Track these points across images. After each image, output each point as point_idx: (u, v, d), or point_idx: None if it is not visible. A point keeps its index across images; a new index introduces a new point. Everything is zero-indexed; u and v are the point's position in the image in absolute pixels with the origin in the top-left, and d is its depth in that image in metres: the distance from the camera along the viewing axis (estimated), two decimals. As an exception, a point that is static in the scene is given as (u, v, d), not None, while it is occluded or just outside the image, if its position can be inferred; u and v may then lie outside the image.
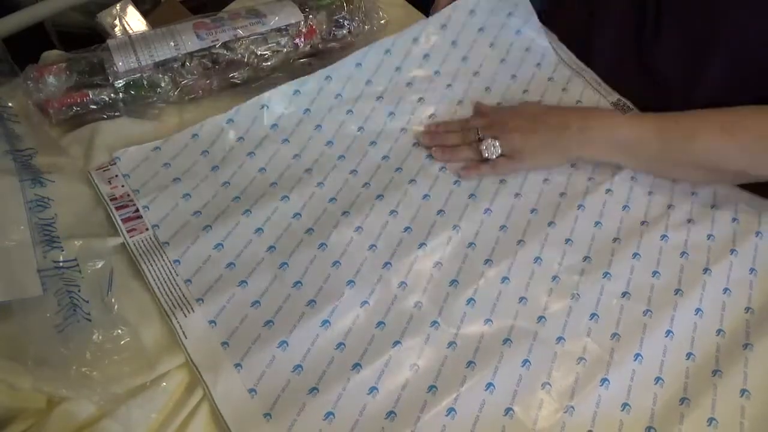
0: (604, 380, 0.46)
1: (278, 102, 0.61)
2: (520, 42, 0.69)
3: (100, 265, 0.47)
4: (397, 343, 0.47)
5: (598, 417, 0.45)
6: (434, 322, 0.48)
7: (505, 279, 0.51)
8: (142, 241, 0.50)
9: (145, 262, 0.49)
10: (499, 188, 0.57)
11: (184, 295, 0.48)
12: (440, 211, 0.55)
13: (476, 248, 0.53)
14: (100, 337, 0.43)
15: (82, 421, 0.41)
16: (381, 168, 0.58)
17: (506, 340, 0.48)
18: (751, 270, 0.53)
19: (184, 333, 0.45)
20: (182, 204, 0.53)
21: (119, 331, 0.44)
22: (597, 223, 0.55)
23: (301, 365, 0.45)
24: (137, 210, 0.52)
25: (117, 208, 0.52)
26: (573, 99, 0.66)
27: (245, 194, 0.55)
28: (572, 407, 0.45)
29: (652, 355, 0.48)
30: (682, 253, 0.54)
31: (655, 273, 0.52)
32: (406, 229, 0.54)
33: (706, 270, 0.53)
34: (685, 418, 0.45)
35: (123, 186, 0.54)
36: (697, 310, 0.50)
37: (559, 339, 0.48)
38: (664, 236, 0.55)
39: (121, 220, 0.51)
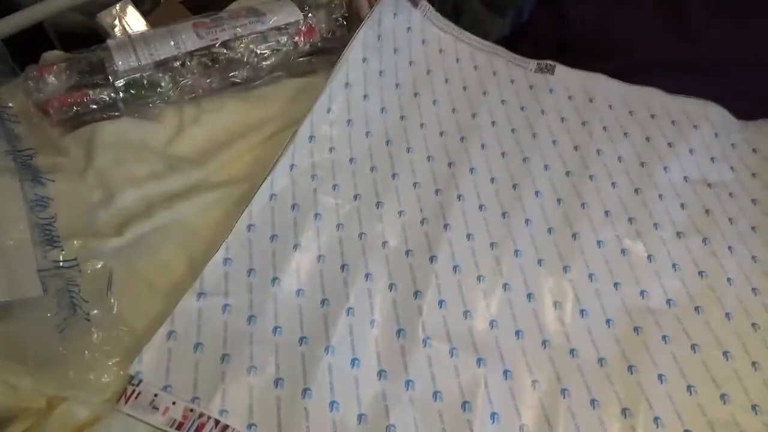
0: None
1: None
2: (432, 46, 0.71)
3: (100, 265, 0.47)
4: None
5: None
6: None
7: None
8: None
9: None
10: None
11: None
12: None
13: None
14: (100, 338, 0.43)
15: (82, 421, 0.41)
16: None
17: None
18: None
19: None
20: (249, 379, 0.43)
21: (119, 331, 0.44)
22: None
23: None
24: (212, 418, 0.41)
25: None
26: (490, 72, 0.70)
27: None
28: None
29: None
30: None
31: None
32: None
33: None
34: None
35: (175, 403, 0.42)
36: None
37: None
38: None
39: None
